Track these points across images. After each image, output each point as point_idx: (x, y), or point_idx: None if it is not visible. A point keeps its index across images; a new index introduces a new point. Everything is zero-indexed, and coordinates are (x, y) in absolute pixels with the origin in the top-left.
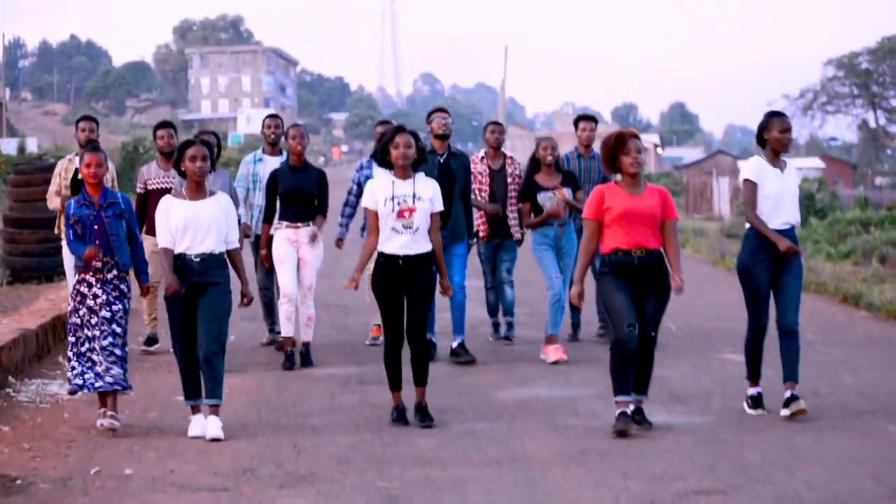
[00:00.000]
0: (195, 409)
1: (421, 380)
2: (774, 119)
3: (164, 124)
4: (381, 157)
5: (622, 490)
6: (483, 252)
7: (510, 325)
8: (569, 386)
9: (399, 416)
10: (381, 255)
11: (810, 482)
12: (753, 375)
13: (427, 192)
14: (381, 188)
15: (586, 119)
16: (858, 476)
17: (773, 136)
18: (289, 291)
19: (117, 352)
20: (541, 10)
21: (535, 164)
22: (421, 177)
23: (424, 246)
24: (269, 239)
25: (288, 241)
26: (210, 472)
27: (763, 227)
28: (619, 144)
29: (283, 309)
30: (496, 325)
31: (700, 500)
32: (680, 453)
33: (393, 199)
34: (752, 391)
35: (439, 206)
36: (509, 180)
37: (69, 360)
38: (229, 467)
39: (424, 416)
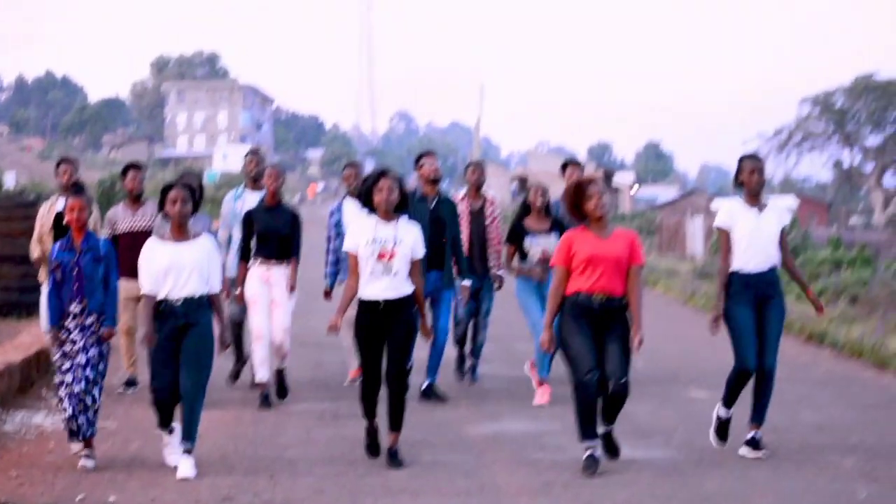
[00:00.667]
0: (171, 431)
1: (396, 425)
2: (745, 161)
3: (132, 166)
4: (365, 200)
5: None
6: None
7: (474, 368)
8: (537, 421)
9: (371, 440)
10: (361, 301)
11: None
12: (727, 404)
13: (409, 237)
14: (363, 231)
15: (573, 164)
16: None
17: (744, 178)
18: (261, 333)
19: (87, 400)
20: (516, 49)
21: (524, 208)
22: (403, 221)
23: (405, 289)
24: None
25: (260, 279)
26: (191, 500)
27: (718, 286)
28: (579, 193)
29: (257, 352)
30: (462, 359)
31: None
32: (641, 484)
33: (374, 241)
34: (722, 412)
35: (420, 253)
36: (488, 221)
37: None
38: (209, 496)
39: (395, 461)
